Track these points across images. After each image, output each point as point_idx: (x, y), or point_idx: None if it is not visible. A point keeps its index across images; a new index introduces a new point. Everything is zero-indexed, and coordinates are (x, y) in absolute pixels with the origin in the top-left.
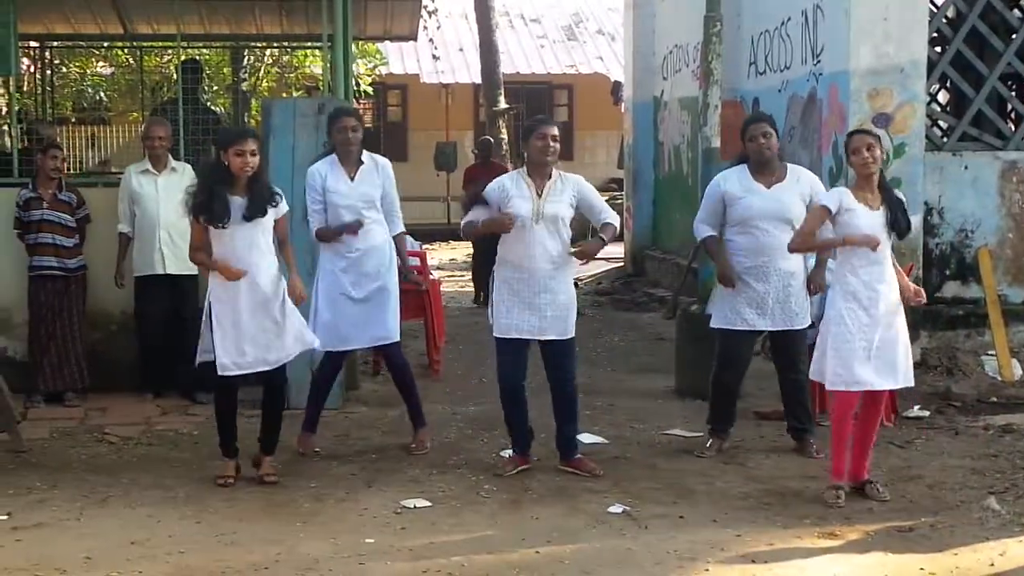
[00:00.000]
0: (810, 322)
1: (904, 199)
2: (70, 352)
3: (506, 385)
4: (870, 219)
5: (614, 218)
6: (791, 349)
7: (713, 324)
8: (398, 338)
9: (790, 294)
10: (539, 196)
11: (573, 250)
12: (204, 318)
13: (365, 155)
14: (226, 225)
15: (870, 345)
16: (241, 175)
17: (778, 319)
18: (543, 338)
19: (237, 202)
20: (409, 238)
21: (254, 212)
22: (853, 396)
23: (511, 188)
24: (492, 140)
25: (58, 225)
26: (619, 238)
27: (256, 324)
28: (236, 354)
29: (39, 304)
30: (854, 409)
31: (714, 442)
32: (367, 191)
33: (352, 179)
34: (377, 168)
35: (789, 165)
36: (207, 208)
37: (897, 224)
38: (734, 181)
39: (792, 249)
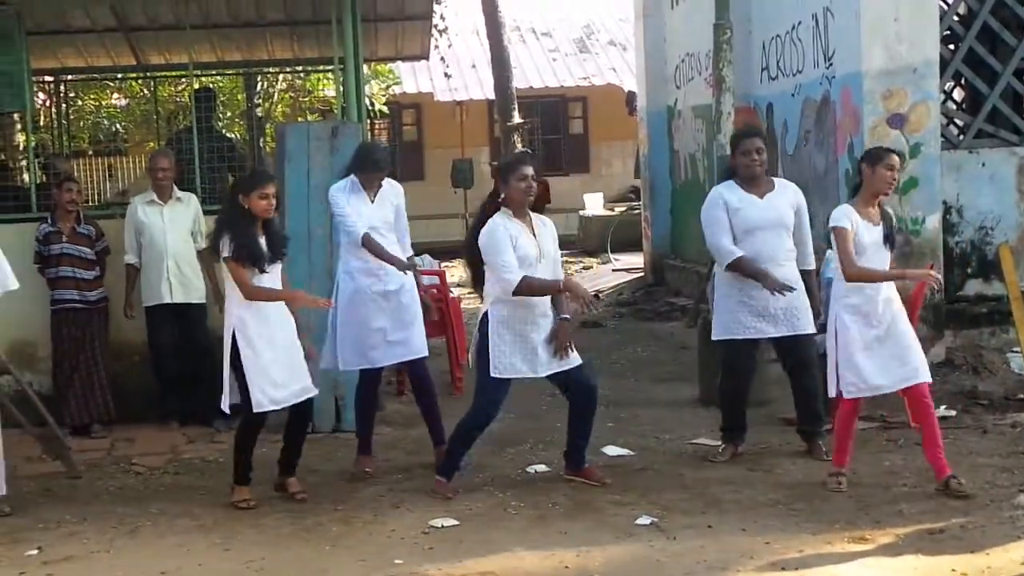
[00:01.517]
0: (815, 329)
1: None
2: (94, 384)
3: (484, 424)
4: (872, 235)
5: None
6: (799, 353)
7: (715, 336)
8: (426, 354)
9: (792, 300)
10: (534, 236)
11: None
12: (227, 361)
13: (385, 181)
14: (267, 269)
15: (878, 350)
16: (264, 217)
17: (782, 324)
18: (547, 373)
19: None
20: (428, 257)
21: (276, 255)
22: (851, 403)
23: (512, 230)
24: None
25: (77, 258)
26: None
27: (287, 358)
28: (272, 389)
29: (61, 337)
30: (858, 408)
31: (727, 447)
32: (386, 214)
33: (372, 202)
34: (393, 192)
35: (774, 178)
36: (255, 255)
37: (890, 239)
38: (729, 194)
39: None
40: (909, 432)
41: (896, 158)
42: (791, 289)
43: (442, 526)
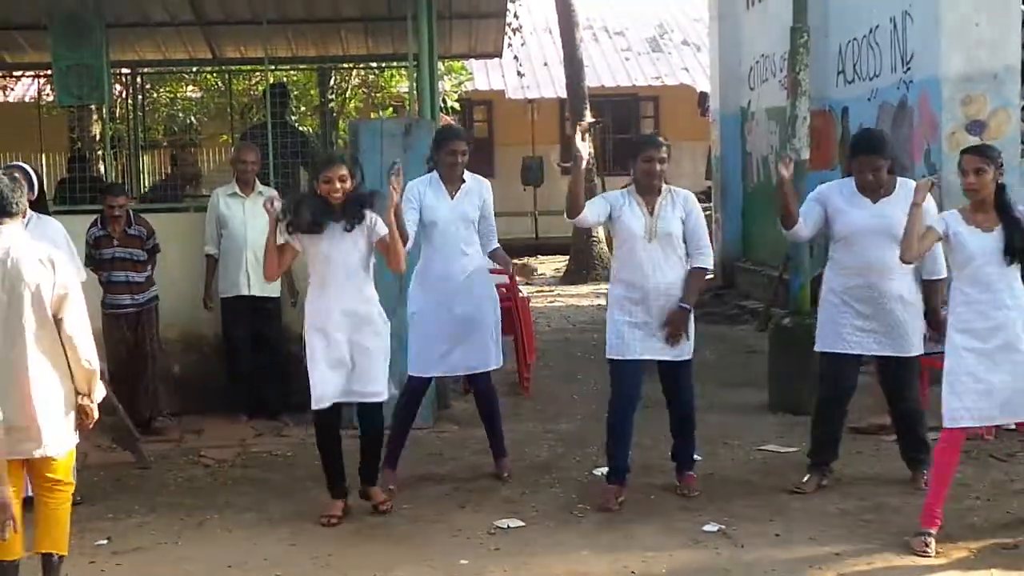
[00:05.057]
0: (922, 350)
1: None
2: (148, 382)
3: (620, 405)
4: (981, 242)
5: (707, 261)
6: (899, 376)
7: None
8: (495, 366)
9: (897, 316)
10: (651, 214)
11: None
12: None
13: (467, 175)
14: (319, 230)
15: (989, 377)
16: (331, 201)
17: (885, 344)
18: (660, 358)
19: (332, 225)
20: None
21: (352, 216)
22: (958, 434)
23: (623, 204)
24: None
25: (130, 261)
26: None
27: (344, 357)
28: (320, 386)
29: (114, 340)
30: (959, 448)
31: (813, 477)
32: (466, 211)
33: (452, 198)
34: (478, 187)
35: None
36: (295, 211)
37: (1011, 247)
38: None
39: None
40: (981, 443)
41: (973, 159)
42: None
43: (508, 527)
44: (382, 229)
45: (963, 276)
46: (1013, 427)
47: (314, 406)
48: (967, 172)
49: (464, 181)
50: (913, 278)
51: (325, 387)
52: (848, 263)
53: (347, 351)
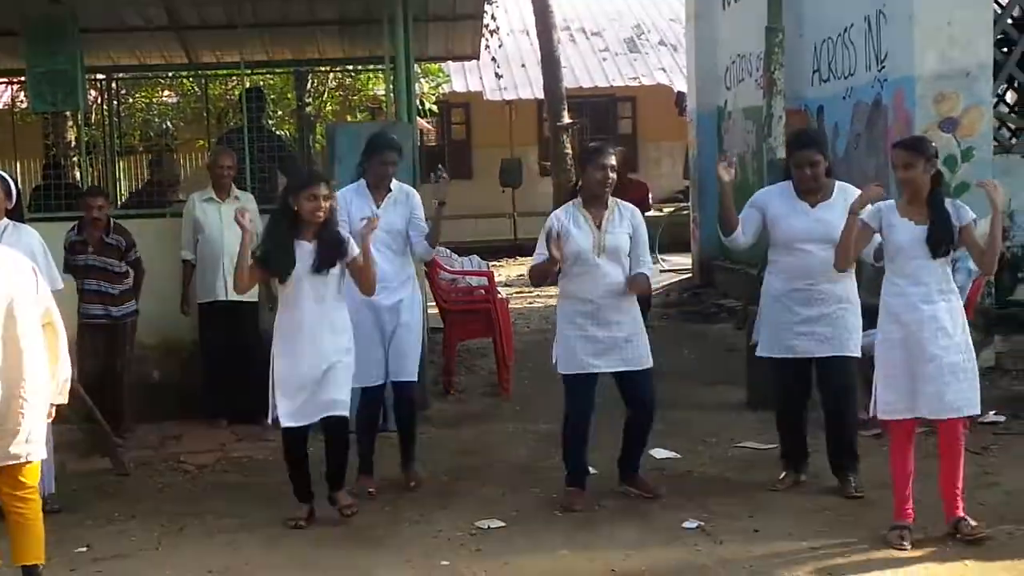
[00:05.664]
0: (859, 353)
1: (956, 209)
2: (111, 403)
3: (576, 421)
4: (911, 234)
5: (648, 270)
6: (838, 377)
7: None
8: (415, 378)
9: (839, 318)
10: (599, 228)
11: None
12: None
13: (394, 184)
14: (284, 280)
15: (916, 370)
16: (312, 220)
17: (826, 344)
18: (614, 370)
19: (305, 247)
20: (476, 257)
21: (323, 264)
22: (908, 425)
23: (568, 220)
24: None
25: (103, 271)
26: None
27: (311, 377)
28: (290, 405)
29: (85, 352)
30: (911, 439)
31: (788, 475)
32: (392, 220)
33: (379, 207)
34: (406, 198)
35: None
36: (269, 258)
37: (929, 239)
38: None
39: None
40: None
41: (898, 152)
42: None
43: (489, 528)
44: (354, 250)
45: (894, 267)
46: (991, 420)
47: (283, 424)
48: (896, 167)
49: (391, 190)
50: (852, 279)
51: (292, 406)
52: (788, 267)
53: (313, 371)
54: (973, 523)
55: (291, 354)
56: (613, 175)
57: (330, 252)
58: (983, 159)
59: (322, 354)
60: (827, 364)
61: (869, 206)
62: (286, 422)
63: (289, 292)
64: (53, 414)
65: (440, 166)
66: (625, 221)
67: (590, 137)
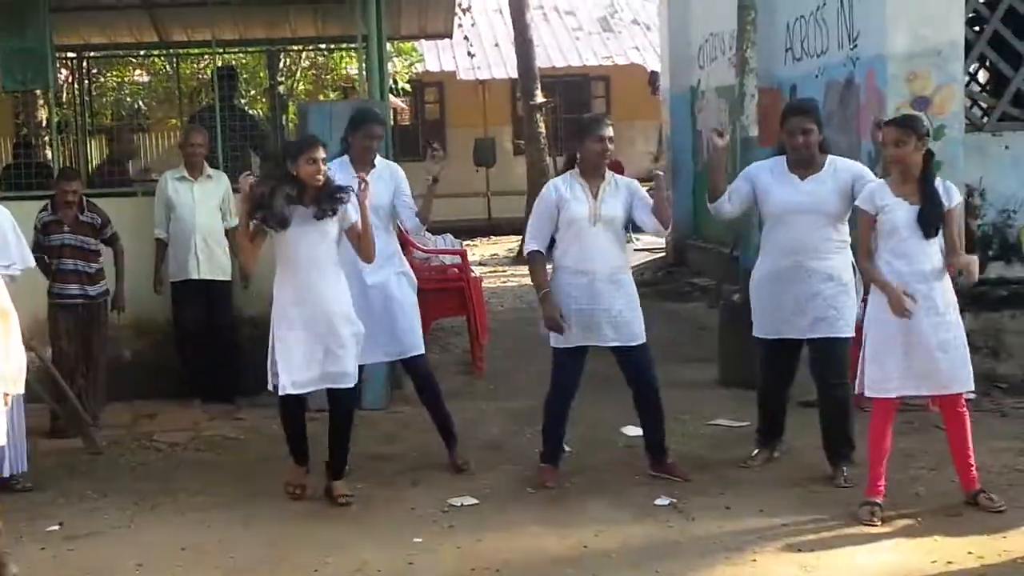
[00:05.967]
0: (852, 333)
1: (946, 190)
2: (87, 387)
3: (560, 395)
4: (907, 214)
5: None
6: (830, 359)
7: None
8: (421, 351)
9: (827, 297)
10: (595, 198)
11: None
12: (271, 338)
13: (378, 159)
14: (278, 229)
15: (908, 349)
16: (313, 183)
17: (816, 325)
18: (607, 344)
19: (302, 211)
20: (449, 236)
21: (324, 211)
22: (890, 404)
23: (566, 189)
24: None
25: (80, 250)
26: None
27: (318, 341)
28: (294, 372)
29: (59, 333)
30: (892, 419)
31: (761, 452)
32: (378, 195)
33: None
34: (390, 173)
35: None
36: (268, 204)
37: (920, 219)
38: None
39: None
40: (927, 414)
41: (890, 130)
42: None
43: (461, 505)
44: (353, 216)
45: (888, 247)
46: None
47: (282, 392)
48: (887, 144)
49: (374, 166)
50: (846, 257)
51: (293, 375)
52: (778, 243)
53: (317, 339)
54: (995, 497)
55: (294, 322)
56: (611, 146)
57: (332, 197)
58: (954, 138)
59: (325, 320)
60: (819, 345)
61: (863, 192)
62: (288, 390)
63: (285, 255)
64: (9, 403)
65: (435, 143)
66: (621, 192)
67: (563, 117)
